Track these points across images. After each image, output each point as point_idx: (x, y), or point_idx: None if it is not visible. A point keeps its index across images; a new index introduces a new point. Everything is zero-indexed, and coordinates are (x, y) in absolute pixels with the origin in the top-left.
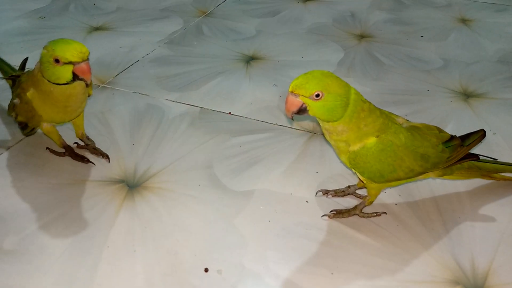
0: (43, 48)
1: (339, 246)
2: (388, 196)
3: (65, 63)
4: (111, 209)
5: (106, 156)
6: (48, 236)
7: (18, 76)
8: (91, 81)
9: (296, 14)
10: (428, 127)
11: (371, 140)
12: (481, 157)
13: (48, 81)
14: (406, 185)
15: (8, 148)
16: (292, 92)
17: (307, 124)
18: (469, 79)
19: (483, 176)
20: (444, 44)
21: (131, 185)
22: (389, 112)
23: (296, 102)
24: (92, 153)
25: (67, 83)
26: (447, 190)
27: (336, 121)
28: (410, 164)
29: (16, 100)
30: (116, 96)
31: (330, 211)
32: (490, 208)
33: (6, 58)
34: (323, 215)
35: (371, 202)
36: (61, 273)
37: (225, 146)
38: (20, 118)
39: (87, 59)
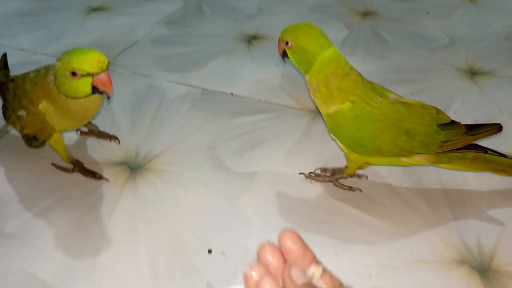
0: (57, 60)
1: (343, 226)
2: (393, 176)
3: (83, 75)
4: (113, 192)
5: (115, 138)
6: (50, 219)
7: (12, 80)
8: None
9: None
10: (424, 106)
11: (346, 105)
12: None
13: (65, 95)
14: (411, 166)
15: (8, 132)
16: (280, 37)
17: (310, 104)
18: (475, 56)
19: (495, 170)
20: (450, 22)
21: (133, 167)
22: (382, 87)
23: (280, 46)
24: (99, 137)
25: (85, 96)
26: (454, 170)
27: (307, 73)
28: (393, 138)
29: (22, 113)
30: (116, 77)
31: (309, 173)
32: (496, 188)
33: (4, 40)
34: (300, 173)
35: (350, 175)
36: (63, 256)
37: (227, 127)
38: (27, 131)
39: (107, 68)
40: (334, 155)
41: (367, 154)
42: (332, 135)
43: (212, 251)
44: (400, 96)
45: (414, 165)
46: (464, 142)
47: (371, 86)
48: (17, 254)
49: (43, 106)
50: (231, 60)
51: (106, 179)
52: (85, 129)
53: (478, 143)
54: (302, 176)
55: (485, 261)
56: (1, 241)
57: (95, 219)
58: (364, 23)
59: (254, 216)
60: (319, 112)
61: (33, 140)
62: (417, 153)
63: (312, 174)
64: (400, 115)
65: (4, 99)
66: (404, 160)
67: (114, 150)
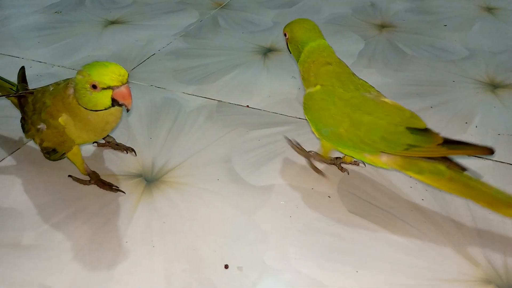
0: (77, 73)
1: (363, 242)
2: (415, 191)
3: (104, 88)
4: (129, 204)
5: (131, 150)
6: (66, 231)
7: (31, 92)
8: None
9: (314, 5)
10: (399, 107)
11: (316, 88)
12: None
13: (85, 108)
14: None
15: (25, 143)
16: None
17: None
18: (496, 69)
19: (477, 200)
20: (469, 34)
21: (149, 180)
22: (369, 86)
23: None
24: (115, 149)
25: (105, 109)
26: None
27: (298, 63)
28: (354, 127)
29: (42, 126)
30: (133, 89)
31: (293, 143)
32: None
33: (23, 53)
34: (285, 136)
35: (324, 157)
36: (79, 268)
37: (243, 140)
38: (46, 144)
39: (127, 82)
40: (351, 170)
41: (332, 141)
42: (305, 116)
43: (229, 266)
44: (381, 95)
45: (381, 167)
46: (435, 152)
47: (354, 79)
48: (33, 266)
49: (63, 119)
50: (247, 73)
51: (122, 191)
52: (102, 141)
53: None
54: (320, 190)
55: None
56: (17, 253)
57: (111, 231)
58: (381, 36)
59: (271, 231)
60: None
61: (52, 153)
62: (382, 151)
63: (296, 145)
64: (365, 107)
65: (23, 112)
66: (367, 156)
67: (130, 162)
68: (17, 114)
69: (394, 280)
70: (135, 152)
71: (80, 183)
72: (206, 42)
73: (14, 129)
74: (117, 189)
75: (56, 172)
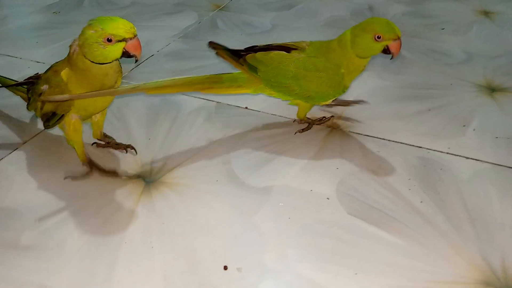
0: (87, 28)
1: (362, 245)
2: (413, 193)
3: (119, 41)
4: (128, 205)
5: (132, 147)
6: (65, 231)
7: (37, 77)
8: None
9: (312, 7)
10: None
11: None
12: None
13: (92, 62)
14: (431, 182)
15: (24, 143)
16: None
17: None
18: (494, 73)
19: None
20: (466, 37)
21: (148, 180)
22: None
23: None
24: (115, 149)
25: (111, 62)
26: (475, 187)
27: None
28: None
29: (45, 86)
30: None
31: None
32: None
33: (21, 53)
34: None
35: (301, 118)
36: (79, 269)
37: (242, 141)
38: (46, 108)
39: (136, 34)
40: (351, 171)
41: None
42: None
43: (228, 268)
44: (302, 55)
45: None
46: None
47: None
48: (32, 266)
49: (65, 73)
50: None
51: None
52: (101, 142)
53: None
54: (319, 191)
55: (510, 283)
56: (16, 253)
57: (110, 232)
58: None
59: (270, 232)
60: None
61: (51, 119)
62: None
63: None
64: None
65: (30, 93)
66: None
67: (129, 163)
68: (16, 114)
69: (393, 282)
70: (135, 150)
71: (80, 178)
72: (204, 43)
73: (12, 129)
74: (116, 174)
75: (55, 172)
